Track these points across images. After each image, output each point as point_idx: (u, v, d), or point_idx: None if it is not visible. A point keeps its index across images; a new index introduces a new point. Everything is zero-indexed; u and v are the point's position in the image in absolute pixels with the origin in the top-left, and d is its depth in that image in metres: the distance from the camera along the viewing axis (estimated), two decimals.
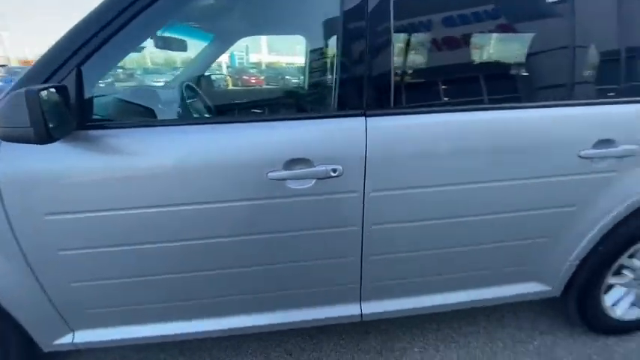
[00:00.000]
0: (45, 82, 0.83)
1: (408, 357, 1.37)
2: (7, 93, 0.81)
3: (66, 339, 1.09)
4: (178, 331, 1.15)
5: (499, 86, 1.21)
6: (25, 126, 0.68)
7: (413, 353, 1.39)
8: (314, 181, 0.98)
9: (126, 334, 1.12)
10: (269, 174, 0.94)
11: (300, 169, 0.96)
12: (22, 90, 0.68)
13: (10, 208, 0.88)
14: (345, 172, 0.97)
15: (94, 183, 0.90)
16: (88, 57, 0.87)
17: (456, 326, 1.51)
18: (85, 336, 1.10)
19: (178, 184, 0.94)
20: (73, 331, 1.10)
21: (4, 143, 0.83)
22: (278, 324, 1.20)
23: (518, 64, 1.21)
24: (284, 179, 0.96)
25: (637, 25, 1.13)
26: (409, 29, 1.05)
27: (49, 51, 0.86)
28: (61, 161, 0.87)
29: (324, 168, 0.96)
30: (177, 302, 1.12)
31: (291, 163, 0.95)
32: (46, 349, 1.09)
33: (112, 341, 1.12)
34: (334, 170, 0.96)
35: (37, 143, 0.71)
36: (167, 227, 0.97)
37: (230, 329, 1.17)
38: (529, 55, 1.15)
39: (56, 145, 0.82)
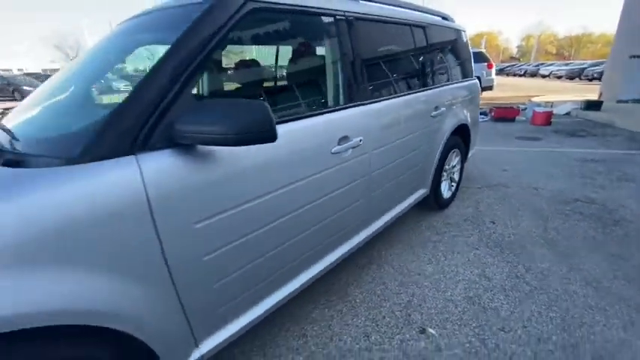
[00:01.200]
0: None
1: (368, 269, 2.14)
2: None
3: (194, 356, 1.09)
4: (279, 297, 1.35)
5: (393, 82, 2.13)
6: (264, 129, 0.86)
7: (370, 267, 2.18)
8: (351, 150, 1.51)
9: (242, 322, 1.23)
10: (332, 149, 1.40)
11: (345, 143, 1.47)
12: (263, 102, 0.88)
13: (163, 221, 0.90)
14: (363, 140, 1.57)
15: (240, 180, 1.05)
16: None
17: (386, 234, 2.42)
18: (209, 343, 1.13)
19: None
20: (197, 346, 1.11)
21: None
22: (326, 267, 1.61)
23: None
24: (339, 152, 1.44)
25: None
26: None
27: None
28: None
29: (356, 139, 1.51)
30: (281, 269, 1.34)
31: (341, 140, 1.45)
32: None
33: (232, 335, 1.20)
34: (360, 140, 1.54)
35: (272, 141, 0.89)
36: (288, 203, 1.23)
37: (310, 279, 1.50)
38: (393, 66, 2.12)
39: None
